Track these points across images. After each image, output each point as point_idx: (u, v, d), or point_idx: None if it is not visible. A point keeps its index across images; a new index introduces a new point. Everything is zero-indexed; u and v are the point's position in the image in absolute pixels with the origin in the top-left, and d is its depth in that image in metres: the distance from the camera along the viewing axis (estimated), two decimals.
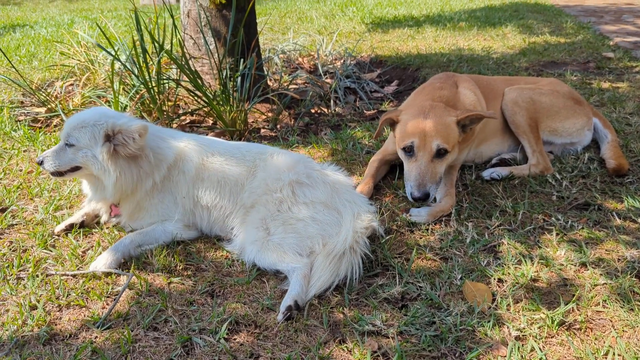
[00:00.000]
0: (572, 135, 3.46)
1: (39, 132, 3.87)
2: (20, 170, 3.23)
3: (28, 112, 4.34)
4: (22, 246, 2.44)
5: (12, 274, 2.25)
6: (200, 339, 1.96)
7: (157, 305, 2.10)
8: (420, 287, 2.26)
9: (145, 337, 1.97)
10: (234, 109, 3.96)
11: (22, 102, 4.64)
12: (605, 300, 2.14)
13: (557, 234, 2.59)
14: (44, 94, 4.35)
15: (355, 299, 2.23)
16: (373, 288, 2.26)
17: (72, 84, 4.71)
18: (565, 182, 3.10)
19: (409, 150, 2.77)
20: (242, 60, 4.27)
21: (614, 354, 1.87)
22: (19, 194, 2.92)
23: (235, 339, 1.99)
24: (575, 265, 2.36)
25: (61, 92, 4.51)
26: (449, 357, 1.91)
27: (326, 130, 4.15)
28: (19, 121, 4.15)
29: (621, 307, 2.09)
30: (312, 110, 4.85)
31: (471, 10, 9.90)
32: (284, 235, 2.31)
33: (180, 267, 2.36)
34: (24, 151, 3.55)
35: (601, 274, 2.29)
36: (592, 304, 2.13)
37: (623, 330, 2.00)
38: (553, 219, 2.74)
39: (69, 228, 2.57)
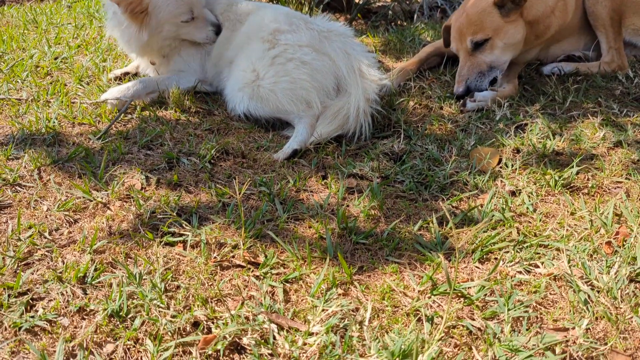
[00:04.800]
0: None
1: None
2: (88, 35, 3.46)
3: None
4: (61, 82, 2.63)
5: (43, 99, 2.44)
6: (187, 159, 2.00)
7: (157, 131, 2.18)
8: (426, 148, 2.11)
9: (138, 153, 2.05)
10: (297, 4, 3.92)
11: None
12: (630, 174, 1.86)
13: (604, 119, 2.28)
14: None
15: (354, 150, 2.15)
16: (376, 144, 2.16)
17: None
18: (638, 79, 2.71)
19: (455, 52, 2.69)
20: None
21: (614, 213, 1.63)
22: (78, 50, 3.14)
23: (220, 164, 2.01)
24: (610, 144, 2.08)
25: None
26: (429, 201, 1.79)
27: (391, 28, 3.98)
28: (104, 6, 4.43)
29: None
30: (392, 23, 4.66)
31: None
32: (275, 79, 2.20)
33: (193, 110, 2.41)
34: (100, 26, 3.79)
35: (637, 151, 1.99)
36: (613, 175, 1.87)
37: (638, 197, 1.73)
38: (605, 107, 2.42)
39: (124, 76, 2.72)
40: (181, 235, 1.58)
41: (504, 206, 1.70)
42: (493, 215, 1.65)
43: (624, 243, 1.49)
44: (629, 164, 1.92)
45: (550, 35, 2.80)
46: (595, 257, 1.46)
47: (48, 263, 1.45)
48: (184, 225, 1.60)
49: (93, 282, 1.38)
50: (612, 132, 2.16)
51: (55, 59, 2.94)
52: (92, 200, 1.71)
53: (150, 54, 2.52)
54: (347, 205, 1.77)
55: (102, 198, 1.73)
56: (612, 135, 2.13)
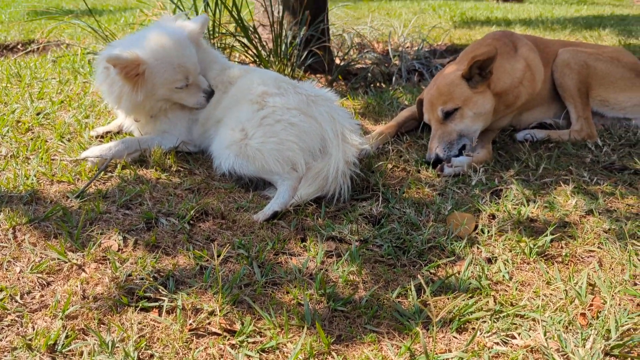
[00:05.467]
0: (626, 111, 3.12)
1: None
2: (72, 91, 3.48)
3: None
4: (42, 138, 2.63)
5: (23, 155, 2.43)
6: (166, 220, 2.00)
7: (136, 190, 2.17)
8: (404, 212, 2.14)
9: (116, 213, 2.03)
10: (280, 65, 4.02)
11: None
12: (602, 242, 1.91)
13: (575, 187, 2.35)
14: None
15: (333, 212, 2.16)
16: (355, 207, 2.19)
17: None
18: (606, 148, 2.82)
19: (427, 122, 2.81)
20: (304, 27, 4.32)
21: (588, 283, 1.66)
22: (60, 106, 3.15)
23: (199, 225, 2.01)
24: (582, 212, 2.13)
25: None
26: (407, 267, 1.80)
27: (370, 91, 4.09)
28: (90, 62, 4.49)
29: (615, 248, 1.86)
30: (372, 85, 4.80)
31: (573, 17, 9.34)
32: (263, 139, 2.24)
33: (174, 169, 2.42)
34: (84, 82, 3.83)
35: (608, 220, 2.05)
36: (586, 243, 1.91)
37: (610, 267, 1.77)
38: (577, 175, 2.50)
39: (106, 134, 2.73)
40: (157, 300, 1.55)
41: (481, 274, 1.72)
42: (470, 284, 1.67)
43: (598, 315, 1.51)
44: (601, 233, 1.97)
45: (521, 104, 2.93)
46: (570, 329, 1.47)
47: (18, 329, 1.41)
48: (160, 289, 1.58)
49: (63, 351, 1.34)
50: (584, 200, 2.23)
51: (38, 114, 2.95)
52: (67, 262, 1.69)
53: (138, 113, 2.53)
54: (326, 270, 1.77)
55: (77, 260, 1.70)
56: (583, 203, 2.19)
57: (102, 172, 2.28)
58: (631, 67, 3.19)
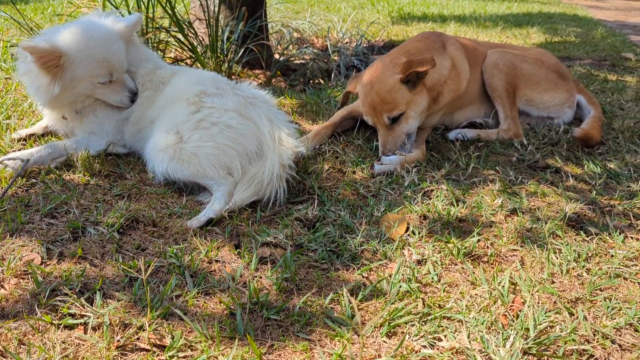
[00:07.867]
0: (550, 110, 3.29)
1: None
2: None
3: None
4: None
5: None
6: (94, 229, 1.93)
7: (62, 197, 2.09)
8: (339, 215, 2.17)
9: (40, 222, 1.95)
10: (216, 61, 3.95)
11: None
12: (524, 242, 2.00)
13: (502, 186, 2.45)
14: None
15: (269, 216, 2.16)
16: (290, 210, 2.19)
17: None
18: (531, 147, 2.95)
19: (372, 125, 2.83)
20: (242, 23, 4.26)
21: (510, 282, 1.74)
22: None
23: (129, 233, 1.95)
24: (507, 211, 2.23)
25: None
26: (341, 271, 1.82)
27: (309, 89, 4.10)
28: (12, 56, 4.25)
29: (536, 247, 1.95)
30: (311, 81, 4.80)
31: (504, 14, 9.69)
32: (199, 144, 2.20)
33: (103, 173, 2.34)
34: (6, 78, 3.62)
35: (530, 219, 2.15)
36: (509, 243, 2.00)
37: (530, 266, 1.86)
38: (503, 174, 2.60)
39: (29, 137, 2.59)
40: (82, 316, 1.50)
41: (411, 276, 1.76)
42: (400, 287, 1.71)
43: (518, 314, 1.59)
44: (523, 232, 2.07)
45: (446, 102, 2.99)
46: (493, 330, 1.54)
47: None
48: (85, 305, 1.53)
49: None
50: (509, 199, 2.33)
51: None
52: None
53: (60, 107, 2.42)
54: (260, 277, 1.77)
55: None
56: (508, 203, 2.29)
57: (24, 179, 2.18)
58: (553, 68, 3.35)
